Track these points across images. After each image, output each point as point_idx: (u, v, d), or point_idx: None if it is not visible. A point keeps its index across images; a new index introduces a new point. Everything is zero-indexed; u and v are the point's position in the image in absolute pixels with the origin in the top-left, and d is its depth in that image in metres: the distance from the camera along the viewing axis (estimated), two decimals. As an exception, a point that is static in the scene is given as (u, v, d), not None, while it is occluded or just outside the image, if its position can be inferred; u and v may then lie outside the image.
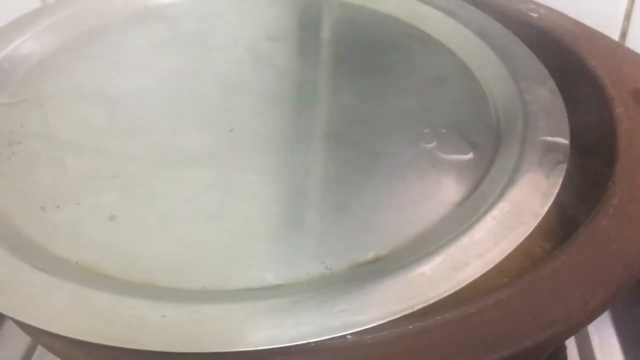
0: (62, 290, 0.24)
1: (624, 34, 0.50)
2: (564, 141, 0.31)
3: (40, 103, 0.35)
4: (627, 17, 0.50)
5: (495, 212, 0.27)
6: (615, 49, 0.38)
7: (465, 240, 0.26)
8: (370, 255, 0.26)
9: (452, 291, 0.24)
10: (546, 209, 0.28)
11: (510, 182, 0.29)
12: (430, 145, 0.32)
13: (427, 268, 0.25)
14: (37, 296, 0.24)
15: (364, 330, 0.23)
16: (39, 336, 0.24)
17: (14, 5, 0.41)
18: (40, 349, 0.36)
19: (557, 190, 0.29)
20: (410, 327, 0.23)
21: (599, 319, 0.25)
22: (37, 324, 0.23)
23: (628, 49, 0.38)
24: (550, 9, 0.41)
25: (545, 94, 0.35)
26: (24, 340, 0.36)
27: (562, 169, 0.30)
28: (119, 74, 0.37)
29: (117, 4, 0.42)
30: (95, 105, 0.35)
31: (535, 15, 0.40)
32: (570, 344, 0.39)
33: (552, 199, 0.28)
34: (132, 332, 0.22)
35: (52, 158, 0.31)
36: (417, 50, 0.39)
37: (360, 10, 0.43)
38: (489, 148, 0.32)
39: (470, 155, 0.31)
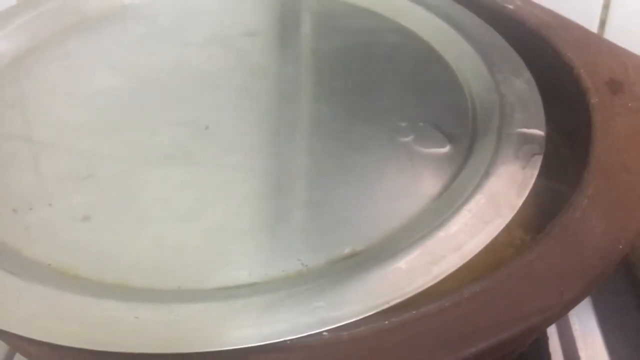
0: (35, 294, 0.23)
1: (602, 24, 0.50)
2: (540, 133, 0.32)
3: (14, 102, 0.34)
4: (606, 7, 0.50)
5: (472, 205, 0.27)
6: (591, 39, 0.38)
7: (441, 233, 0.26)
8: (347, 250, 0.26)
9: (428, 285, 0.24)
10: (522, 200, 0.28)
11: (487, 174, 0.29)
12: (407, 139, 0.32)
13: (403, 262, 0.25)
14: (8, 300, 0.23)
15: (340, 326, 0.22)
16: (13, 341, 0.24)
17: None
18: (18, 356, 0.36)
19: (533, 181, 0.29)
20: (386, 322, 0.23)
21: (580, 308, 0.25)
22: (10, 329, 0.22)
23: (603, 39, 0.38)
24: (526, 0, 0.41)
25: (521, 85, 0.35)
26: (2, 347, 0.36)
27: (538, 160, 0.30)
28: (94, 72, 0.37)
29: (92, 1, 0.42)
30: (70, 104, 0.34)
31: (511, 6, 0.40)
32: (552, 334, 0.39)
33: (528, 191, 0.28)
34: (106, 334, 0.22)
35: (25, 158, 0.31)
36: (393, 43, 0.39)
37: (338, 4, 0.43)
38: (465, 141, 0.32)
39: (447, 149, 0.31)
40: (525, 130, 0.32)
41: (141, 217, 0.28)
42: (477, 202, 0.27)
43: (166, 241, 0.27)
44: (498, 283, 0.24)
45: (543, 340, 0.37)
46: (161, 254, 0.26)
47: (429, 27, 0.40)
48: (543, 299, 0.24)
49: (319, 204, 0.28)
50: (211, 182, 0.30)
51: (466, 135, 0.32)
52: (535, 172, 0.29)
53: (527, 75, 0.35)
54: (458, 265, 0.25)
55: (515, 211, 0.27)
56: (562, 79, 0.35)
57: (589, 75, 0.34)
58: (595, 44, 0.37)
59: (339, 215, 0.28)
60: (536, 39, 0.38)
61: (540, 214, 0.31)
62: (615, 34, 0.46)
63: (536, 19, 0.39)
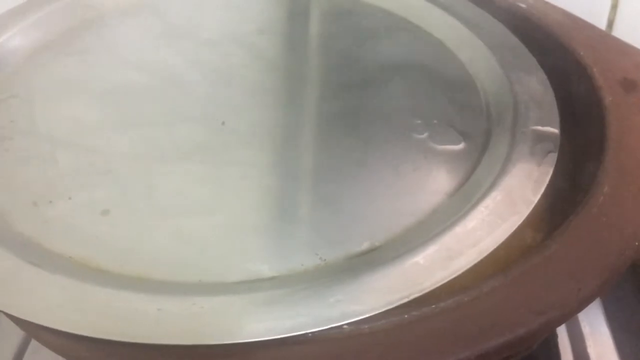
0: (57, 285, 0.24)
1: (610, 24, 0.51)
2: (555, 131, 0.32)
3: (30, 99, 0.35)
4: (614, 7, 0.50)
5: (488, 202, 0.27)
6: (604, 38, 0.38)
7: (458, 229, 0.26)
8: (365, 245, 0.26)
9: (446, 280, 0.24)
10: (538, 197, 0.28)
11: (502, 171, 0.29)
12: (422, 136, 0.32)
13: (421, 257, 0.25)
14: (32, 291, 0.23)
15: (360, 320, 0.23)
16: (35, 331, 0.24)
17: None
18: (32, 345, 0.36)
19: (548, 178, 0.29)
20: (406, 316, 0.23)
21: (589, 307, 0.26)
22: (33, 319, 0.23)
23: (616, 38, 0.39)
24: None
25: (535, 84, 0.35)
26: (17, 336, 0.36)
27: (553, 158, 0.30)
28: (109, 68, 0.37)
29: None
30: (86, 100, 0.34)
31: (523, 5, 0.41)
32: (562, 332, 0.39)
33: (543, 187, 0.29)
34: (128, 325, 0.22)
35: (44, 154, 0.31)
36: (405, 40, 0.40)
37: (349, 1, 0.43)
38: (480, 138, 0.32)
39: (462, 146, 0.32)
40: (539, 128, 0.32)
41: (160, 211, 0.28)
42: (494, 199, 0.27)
43: (185, 235, 0.27)
44: (516, 279, 0.25)
45: (552, 338, 0.37)
46: (181, 248, 0.26)
47: (441, 25, 0.40)
48: (560, 295, 0.24)
49: (335, 200, 0.28)
50: (228, 178, 0.30)
51: (481, 133, 0.32)
52: (551, 170, 0.30)
53: (541, 74, 0.36)
54: (476, 261, 0.25)
55: (531, 207, 0.27)
56: (575, 77, 0.35)
57: (602, 74, 0.35)
58: (607, 43, 0.37)
59: (356, 210, 0.28)
60: (549, 38, 0.38)
61: (550, 212, 0.32)
62: (623, 34, 0.46)
63: (549, 17, 0.39)
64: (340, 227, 0.27)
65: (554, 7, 0.41)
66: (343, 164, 0.30)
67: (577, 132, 0.33)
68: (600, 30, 0.39)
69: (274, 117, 0.34)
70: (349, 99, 0.35)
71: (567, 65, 0.36)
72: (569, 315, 0.25)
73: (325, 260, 0.26)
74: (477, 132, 0.32)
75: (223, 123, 0.33)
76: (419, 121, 0.33)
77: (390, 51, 0.39)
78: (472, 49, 0.38)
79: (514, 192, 0.28)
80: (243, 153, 0.31)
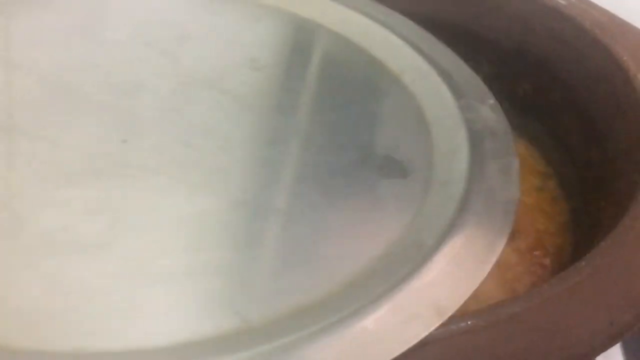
0: None
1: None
2: (514, 161, 0.28)
3: None
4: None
5: (447, 249, 0.23)
6: None
7: (414, 283, 0.21)
8: (300, 302, 0.21)
9: (402, 351, 0.19)
10: (505, 240, 0.24)
11: (460, 211, 0.25)
12: (367, 171, 0.27)
13: (370, 321, 0.20)
14: None
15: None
16: None
17: None
18: None
19: (513, 216, 0.25)
20: None
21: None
22: None
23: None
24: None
25: (488, 112, 0.31)
26: None
27: (515, 192, 0.26)
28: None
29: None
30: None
31: (563, 2, 0.37)
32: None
33: (510, 228, 0.25)
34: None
35: None
36: (346, 62, 0.35)
37: (284, 15, 0.38)
38: (432, 172, 0.27)
39: (412, 181, 0.27)
40: (497, 160, 0.28)
41: (31, 252, 0.22)
42: (453, 245, 0.23)
43: (61, 284, 0.21)
44: (539, 305, 0.21)
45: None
46: (54, 302, 0.20)
47: (385, 46, 0.36)
48: (590, 327, 0.21)
49: (264, 243, 0.23)
50: (127, 208, 0.24)
51: (433, 166, 0.28)
52: (514, 208, 0.25)
53: (492, 100, 0.32)
54: (436, 325, 0.20)
55: (497, 255, 0.23)
56: (617, 86, 0.33)
57: None
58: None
59: (290, 256, 0.23)
60: (588, 39, 0.35)
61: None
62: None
63: (591, 18, 0.36)
64: (269, 276, 0.22)
65: (597, 7, 0.37)
66: (274, 200, 0.25)
67: (616, 147, 0.30)
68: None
69: (187, 135, 0.28)
70: (282, 123, 0.30)
71: (608, 71, 0.33)
72: (598, 351, 0.21)
73: (248, 321, 0.20)
74: (428, 165, 0.28)
75: (125, 141, 0.27)
76: (365, 154, 0.28)
77: (330, 73, 0.34)
78: (417, 70, 0.34)
79: (475, 236, 0.24)
80: (147, 178, 0.25)
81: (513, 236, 0.37)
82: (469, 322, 0.20)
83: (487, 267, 0.22)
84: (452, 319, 0.20)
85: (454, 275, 0.22)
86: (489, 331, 0.20)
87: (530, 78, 0.40)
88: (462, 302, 0.21)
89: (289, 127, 0.29)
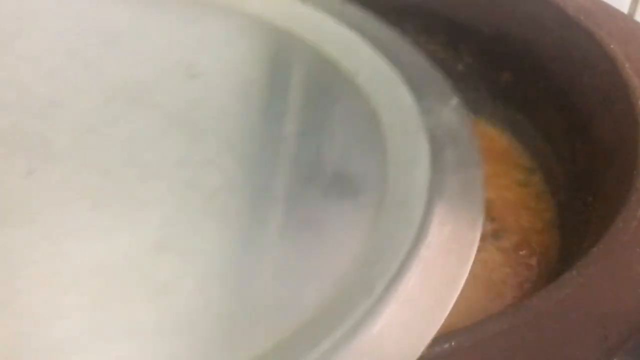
0: None
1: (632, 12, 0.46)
2: (478, 173, 0.25)
3: None
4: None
5: (400, 288, 0.20)
6: (636, 31, 0.33)
7: (369, 329, 0.18)
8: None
9: None
10: (466, 274, 0.21)
11: (417, 239, 0.21)
12: (312, 191, 0.24)
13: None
14: None
15: None
16: None
17: None
18: None
19: (477, 242, 0.22)
20: None
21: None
22: None
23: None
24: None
25: (450, 114, 0.28)
26: None
27: (480, 211, 0.23)
28: None
29: None
30: None
31: None
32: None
33: (472, 259, 0.21)
34: None
35: None
36: (294, 63, 0.31)
37: (225, 12, 0.35)
38: (387, 190, 0.24)
39: (365, 201, 0.24)
40: (460, 173, 0.25)
41: None
42: (407, 284, 0.20)
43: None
44: (528, 320, 0.20)
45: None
46: None
47: (336, 43, 0.32)
48: (581, 343, 0.20)
49: (186, 294, 0.19)
50: (26, 257, 0.20)
51: (389, 183, 0.24)
52: (478, 232, 0.22)
53: (456, 101, 0.29)
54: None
55: (458, 291, 0.20)
56: (603, 76, 0.31)
57: (636, 72, 0.29)
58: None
59: (219, 305, 0.19)
60: (573, 25, 0.33)
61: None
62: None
63: (574, 3, 0.34)
64: (206, 324, 0.19)
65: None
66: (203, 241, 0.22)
67: (607, 143, 0.28)
68: (632, 21, 0.35)
69: (100, 161, 0.24)
70: (223, 134, 0.26)
71: (593, 61, 0.32)
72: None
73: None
74: (383, 181, 0.25)
75: (30, 172, 0.23)
76: (312, 172, 0.25)
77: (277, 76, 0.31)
78: (373, 69, 0.30)
79: (434, 270, 0.20)
80: (56, 218, 0.22)
81: (497, 235, 0.35)
82: (452, 343, 0.20)
83: (447, 308, 0.19)
84: (436, 340, 0.18)
85: (407, 324, 0.19)
86: (474, 351, 0.19)
87: (511, 66, 0.38)
88: (424, 346, 0.18)
89: (223, 144, 0.26)
